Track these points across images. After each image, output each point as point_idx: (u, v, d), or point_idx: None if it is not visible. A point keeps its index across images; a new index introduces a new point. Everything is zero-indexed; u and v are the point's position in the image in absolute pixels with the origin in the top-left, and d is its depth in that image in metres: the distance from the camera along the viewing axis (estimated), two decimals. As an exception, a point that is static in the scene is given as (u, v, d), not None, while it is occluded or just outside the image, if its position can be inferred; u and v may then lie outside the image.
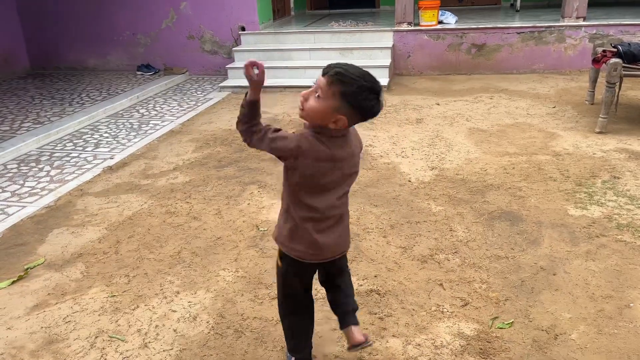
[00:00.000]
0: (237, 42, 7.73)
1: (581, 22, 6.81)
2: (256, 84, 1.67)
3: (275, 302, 2.18)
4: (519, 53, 7.04)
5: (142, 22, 7.97)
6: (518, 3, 8.61)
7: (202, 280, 2.81)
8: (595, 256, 2.83)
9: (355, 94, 1.62)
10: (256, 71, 1.66)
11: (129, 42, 8.16)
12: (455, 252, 2.95)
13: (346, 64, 1.66)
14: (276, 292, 2.09)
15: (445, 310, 2.47)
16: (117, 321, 2.51)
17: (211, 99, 6.66)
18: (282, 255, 1.92)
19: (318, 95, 1.65)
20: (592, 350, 2.17)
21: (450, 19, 7.35)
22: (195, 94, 6.93)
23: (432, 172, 4.06)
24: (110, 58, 8.32)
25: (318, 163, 1.71)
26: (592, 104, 5.43)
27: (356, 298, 2.03)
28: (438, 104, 5.86)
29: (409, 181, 3.92)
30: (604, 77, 4.59)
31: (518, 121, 5.16)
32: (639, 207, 3.31)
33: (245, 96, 1.70)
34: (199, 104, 6.41)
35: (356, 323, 1.97)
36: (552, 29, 6.86)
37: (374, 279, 2.73)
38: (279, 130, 1.71)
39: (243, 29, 7.72)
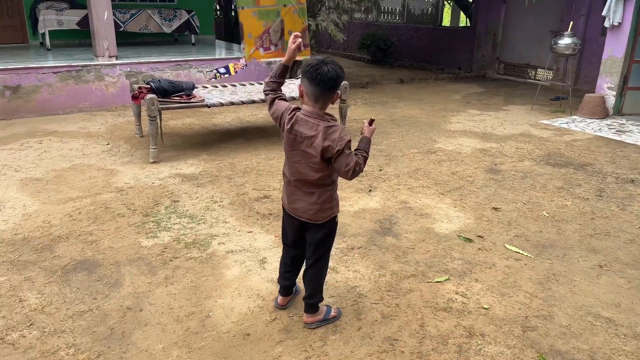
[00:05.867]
0: None
1: (114, 61, 7.14)
2: (292, 51, 2.27)
3: None
4: (61, 93, 6.80)
5: None
6: (47, 41, 8.31)
7: None
8: (173, 279, 3.02)
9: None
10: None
11: None
12: (31, 325, 2.58)
13: None
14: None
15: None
16: None
17: None
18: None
19: None
20: (188, 370, 2.29)
21: (-31, 59, 6.38)
22: None
23: (-18, 239, 3.44)
24: None
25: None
26: (142, 137, 5.79)
27: None
28: (-25, 158, 5.03)
29: (-47, 258, 3.20)
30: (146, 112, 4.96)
31: (75, 163, 4.98)
32: (198, 224, 3.74)
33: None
34: None
35: None
36: (89, 67, 6.93)
37: None
38: (284, 99, 2.35)
39: None
